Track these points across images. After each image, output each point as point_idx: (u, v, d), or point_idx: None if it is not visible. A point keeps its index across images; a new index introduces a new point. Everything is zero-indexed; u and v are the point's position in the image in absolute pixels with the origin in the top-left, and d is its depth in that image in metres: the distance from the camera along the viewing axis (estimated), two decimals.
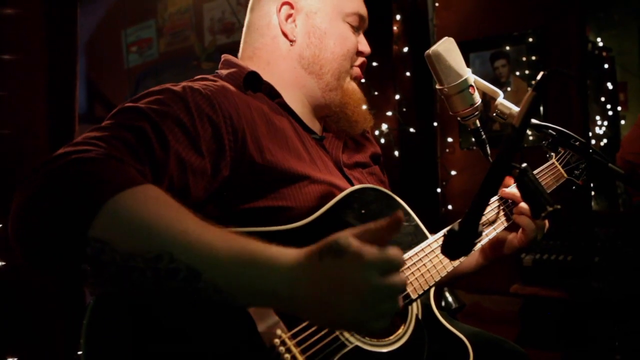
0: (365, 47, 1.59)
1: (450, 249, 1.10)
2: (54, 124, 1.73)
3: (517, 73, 3.66)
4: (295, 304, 0.94)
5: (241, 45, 1.60)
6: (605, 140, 4.03)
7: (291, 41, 1.51)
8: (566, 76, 1.00)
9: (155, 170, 1.07)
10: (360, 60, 1.60)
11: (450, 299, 3.05)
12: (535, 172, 1.61)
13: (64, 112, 1.76)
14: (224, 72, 1.45)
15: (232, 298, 0.93)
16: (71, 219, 0.88)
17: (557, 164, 1.69)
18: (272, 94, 1.46)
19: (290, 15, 1.51)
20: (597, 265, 2.83)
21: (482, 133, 1.46)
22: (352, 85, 1.57)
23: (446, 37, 1.39)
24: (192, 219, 0.94)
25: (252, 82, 1.43)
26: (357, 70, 1.59)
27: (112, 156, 0.98)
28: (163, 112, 1.14)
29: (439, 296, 3.01)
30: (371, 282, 0.91)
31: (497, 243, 1.59)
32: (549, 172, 1.67)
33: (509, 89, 3.69)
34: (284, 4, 1.50)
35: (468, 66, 1.45)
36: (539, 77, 0.99)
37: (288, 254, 0.95)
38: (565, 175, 1.69)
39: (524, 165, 1.17)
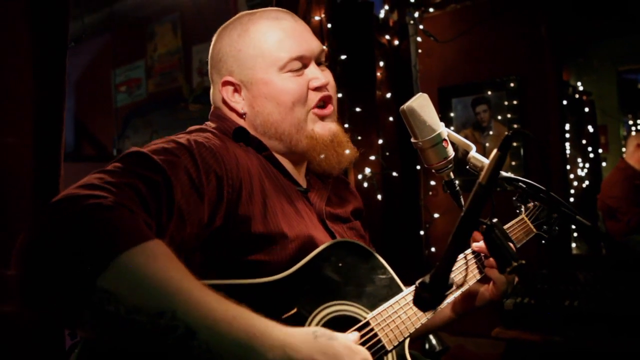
0: (317, 81, 1.51)
1: (421, 301, 1.13)
2: (38, 167, 1.74)
3: (499, 117, 3.74)
4: None
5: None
6: (587, 182, 4.11)
7: (242, 114, 1.52)
8: (529, 137, 1.05)
9: (159, 225, 1.11)
10: (319, 95, 1.52)
11: (434, 341, 3.04)
12: (506, 226, 1.65)
13: (50, 156, 1.77)
14: (212, 124, 1.49)
15: None
16: (82, 266, 0.91)
17: (526, 219, 1.74)
18: (260, 147, 1.49)
19: (235, 91, 1.52)
20: (577, 310, 2.85)
21: (456, 184, 1.51)
22: (319, 129, 1.52)
23: (420, 93, 1.43)
24: (194, 280, 1.00)
25: (241, 137, 1.47)
26: (318, 110, 1.52)
27: (124, 205, 1.01)
28: (173, 163, 1.18)
29: (423, 339, 3.00)
30: None
31: (469, 295, 1.61)
32: (519, 227, 1.72)
33: (490, 132, 3.77)
34: (223, 84, 1.53)
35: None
36: (503, 137, 1.04)
37: (282, 327, 1.04)
38: (534, 230, 1.74)
39: (495, 220, 1.21)
